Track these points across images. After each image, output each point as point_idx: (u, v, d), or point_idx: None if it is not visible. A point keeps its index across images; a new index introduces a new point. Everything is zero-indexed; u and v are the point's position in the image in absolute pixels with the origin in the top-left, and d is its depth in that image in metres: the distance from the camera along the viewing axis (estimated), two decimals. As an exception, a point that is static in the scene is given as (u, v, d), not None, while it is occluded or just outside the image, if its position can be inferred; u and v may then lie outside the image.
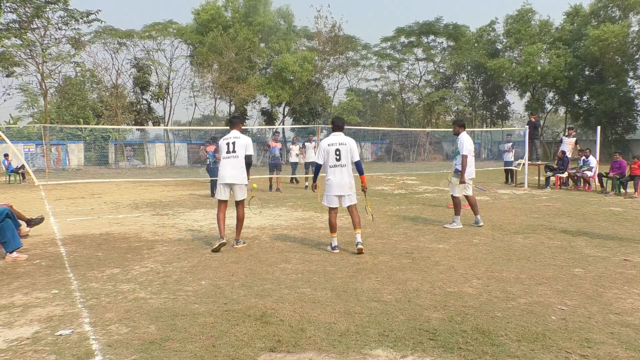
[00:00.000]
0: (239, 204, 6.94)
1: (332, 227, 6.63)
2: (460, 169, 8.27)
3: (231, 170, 6.82)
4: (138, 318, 4.09)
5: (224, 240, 6.72)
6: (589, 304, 4.38)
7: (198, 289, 4.91)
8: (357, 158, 6.52)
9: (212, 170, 13.41)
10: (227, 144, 6.92)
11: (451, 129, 10.18)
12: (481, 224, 8.46)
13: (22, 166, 19.36)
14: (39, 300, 4.60)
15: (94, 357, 3.38)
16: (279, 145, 16.25)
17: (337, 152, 6.42)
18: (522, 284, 5.04)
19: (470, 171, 8.38)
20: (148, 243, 7.29)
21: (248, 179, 7.01)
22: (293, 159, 17.92)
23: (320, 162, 6.57)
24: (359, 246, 6.33)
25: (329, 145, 6.48)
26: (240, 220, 6.98)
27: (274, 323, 3.94)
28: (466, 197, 8.47)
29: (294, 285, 5.03)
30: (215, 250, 6.63)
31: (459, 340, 3.60)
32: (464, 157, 8.20)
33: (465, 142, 8.30)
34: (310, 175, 8.56)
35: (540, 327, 3.85)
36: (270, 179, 15.88)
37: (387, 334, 3.71)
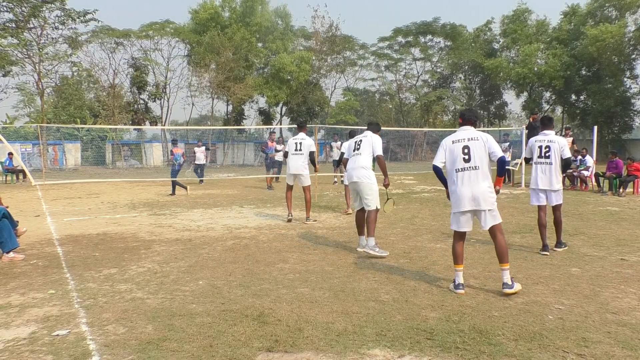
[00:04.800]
0: (305, 190, 9.13)
1: (457, 257, 4.88)
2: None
3: (296, 163, 9.00)
4: (135, 318, 4.08)
5: (291, 217, 9.16)
6: (586, 304, 4.40)
7: (195, 289, 4.90)
8: (500, 154, 4.83)
9: (175, 172, 14.24)
10: (295, 143, 9.11)
11: (449, 129, 10.33)
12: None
13: (18, 165, 19.27)
14: (35, 301, 4.59)
15: (91, 357, 3.37)
16: (274, 145, 16.49)
17: (466, 150, 4.82)
18: (519, 283, 5.05)
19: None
20: (145, 243, 7.28)
21: (316, 170, 9.72)
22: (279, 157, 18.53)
23: (438, 163, 4.98)
24: (506, 290, 4.62)
25: (453, 142, 4.92)
26: (307, 202, 9.13)
27: (272, 323, 3.94)
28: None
29: (292, 285, 5.03)
30: (288, 221, 9.05)
31: (456, 339, 3.60)
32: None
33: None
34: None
35: (537, 326, 3.86)
36: (270, 179, 16.12)
37: (384, 334, 3.72)
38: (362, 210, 6.60)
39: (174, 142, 15.98)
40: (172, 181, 14.32)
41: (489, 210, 4.74)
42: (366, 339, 3.62)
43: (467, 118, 5.05)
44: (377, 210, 6.43)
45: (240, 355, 3.36)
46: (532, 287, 4.89)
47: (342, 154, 7.30)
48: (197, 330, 3.81)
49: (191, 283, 5.12)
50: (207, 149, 18.72)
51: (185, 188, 14.34)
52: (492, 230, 4.81)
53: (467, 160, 4.78)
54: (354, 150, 6.66)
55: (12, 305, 4.48)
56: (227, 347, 3.49)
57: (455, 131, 5.06)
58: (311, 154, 9.13)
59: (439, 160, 4.97)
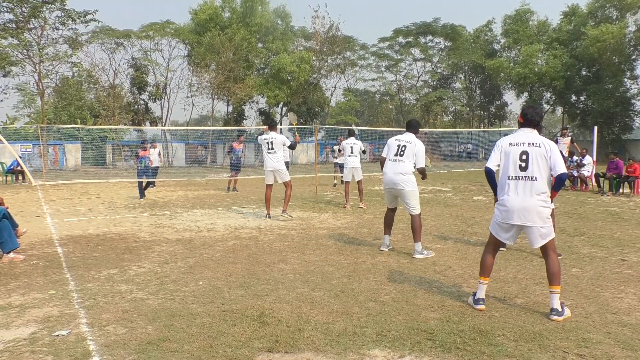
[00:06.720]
0: (287, 185, 9.40)
1: (484, 268, 4.39)
2: None
3: (271, 161, 9.30)
4: (135, 319, 4.08)
5: (269, 217, 9.38)
6: (586, 304, 4.40)
7: (196, 290, 4.90)
8: (561, 170, 4.09)
9: (140, 173, 14.05)
10: (267, 143, 9.27)
11: (449, 129, 10.43)
12: None
13: (18, 165, 19.25)
14: (36, 301, 4.59)
15: (91, 357, 3.37)
16: (242, 146, 16.31)
17: (524, 157, 4.17)
18: (520, 283, 5.05)
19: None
20: (145, 243, 7.28)
21: (296, 139, 10.45)
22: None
23: (492, 167, 4.39)
24: (554, 317, 4.00)
25: (510, 145, 4.28)
26: (287, 196, 9.38)
27: (272, 323, 3.94)
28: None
29: (292, 285, 5.03)
30: (267, 218, 9.41)
31: (456, 340, 3.60)
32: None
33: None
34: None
35: (537, 326, 3.86)
36: (230, 181, 15.83)
37: (384, 334, 3.72)
38: (392, 210, 6.73)
39: (144, 143, 15.34)
40: (139, 183, 14.01)
41: (540, 227, 4.12)
42: (366, 340, 3.62)
43: (529, 118, 4.28)
44: (420, 214, 6.44)
45: (241, 356, 3.36)
46: (532, 288, 4.89)
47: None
48: (197, 330, 3.81)
49: (191, 283, 5.13)
50: (159, 153, 17.65)
51: (142, 195, 13.83)
52: (544, 249, 4.20)
53: (523, 168, 4.14)
54: (395, 155, 6.42)
55: (13, 305, 4.48)
56: (227, 347, 3.49)
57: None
58: (290, 146, 9.62)
59: (493, 163, 4.35)
